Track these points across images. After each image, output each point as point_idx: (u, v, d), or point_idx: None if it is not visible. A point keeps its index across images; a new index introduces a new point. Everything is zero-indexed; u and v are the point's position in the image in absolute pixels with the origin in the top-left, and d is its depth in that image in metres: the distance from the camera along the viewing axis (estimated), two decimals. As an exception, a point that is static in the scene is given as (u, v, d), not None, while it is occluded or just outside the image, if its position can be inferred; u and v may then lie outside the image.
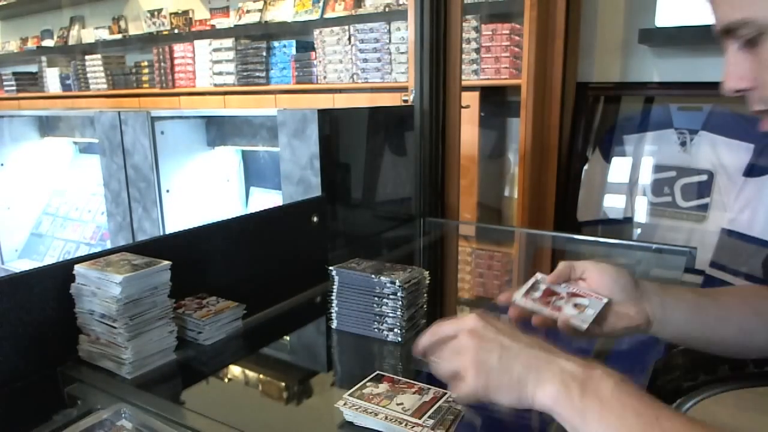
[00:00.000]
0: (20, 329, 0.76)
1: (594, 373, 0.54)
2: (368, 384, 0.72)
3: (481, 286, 1.27)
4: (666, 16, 1.97)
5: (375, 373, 0.74)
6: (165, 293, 0.82)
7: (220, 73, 3.59)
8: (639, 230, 2.10)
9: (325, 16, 3.17)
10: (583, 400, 0.53)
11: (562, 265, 0.79)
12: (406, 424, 0.63)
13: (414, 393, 0.69)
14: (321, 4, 3.21)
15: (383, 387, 0.71)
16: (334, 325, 0.93)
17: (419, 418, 0.64)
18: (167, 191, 1.79)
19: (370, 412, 0.65)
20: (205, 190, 1.91)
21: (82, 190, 2.40)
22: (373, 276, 0.88)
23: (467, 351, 0.60)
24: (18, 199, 2.40)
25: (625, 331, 0.74)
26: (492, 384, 0.58)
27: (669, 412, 0.51)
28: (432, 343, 0.66)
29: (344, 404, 0.67)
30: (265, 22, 3.42)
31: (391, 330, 0.88)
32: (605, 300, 0.74)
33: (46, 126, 2.35)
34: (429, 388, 0.70)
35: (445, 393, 0.69)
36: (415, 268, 0.93)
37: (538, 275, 0.80)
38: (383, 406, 0.66)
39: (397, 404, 0.67)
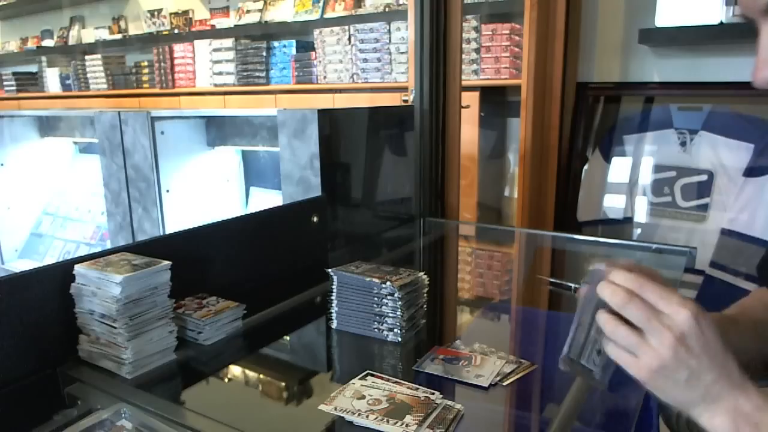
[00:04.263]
0: (20, 329, 0.76)
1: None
2: (357, 383, 0.72)
3: (481, 286, 1.27)
4: (666, 16, 1.97)
5: (365, 372, 0.74)
6: (165, 293, 0.82)
7: (220, 73, 3.59)
8: (639, 230, 2.10)
9: (325, 16, 3.17)
10: None
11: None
12: (395, 423, 0.63)
13: (405, 392, 0.69)
14: (321, 4, 3.21)
15: (373, 386, 0.71)
16: (334, 325, 0.93)
17: (409, 417, 0.64)
18: (167, 191, 1.79)
19: (354, 412, 0.65)
20: (205, 190, 1.91)
21: (82, 190, 2.40)
22: (371, 279, 0.88)
23: (659, 352, 0.54)
24: (18, 199, 2.40)
25: None
26: (662, 387, 0.55)
27: None
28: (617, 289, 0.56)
29: (330, 403, 0.67)
30: (265, 22, 3.42)
31: (391, 330, 0.88)
32: None
33: (46, 126, 2.35)
34: (418, 388, 0.70)
35: (435, 392, 0.69)
36: (414, 271, 0.93)
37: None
38: (371, 405, 0.66)
39: (387, 402, 0.67)
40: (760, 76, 0.56)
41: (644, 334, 0.55)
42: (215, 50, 3.59)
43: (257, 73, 3.42)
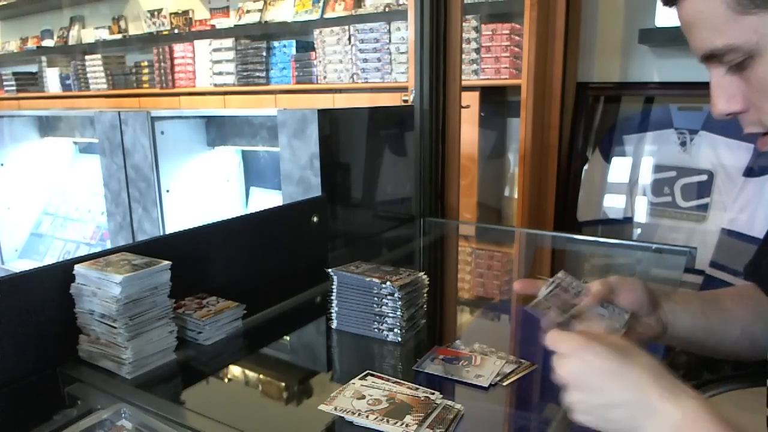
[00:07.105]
0: (20, 329, 0.76)
1: (691, 414, 0.52)
2: (357, 383, 0.72)
3: (481, 286, 1.27)
4: (666, 16, 1.97)
5: (365, 372, 0.74)
6: (165, 293, 0.82)
7: (220, 73, 3.59)
8: (639, 230, 2.10)
9: (325, 16, 3.17)
10: None
11: (599, 285, 0.73)
12: (395, 423, 0.63)
13: (405, 392, 0.69)
14: (321, 4, 3.21)
15: (373, 386, 0.71)
16: (334, 325, 0.93)
17: (409, 417, 0.64)
18: (167, 191, 1.79)
19: (354, 412, 0.65)
20: (205, 190, 1.91)
21: (82, 190, 2.40)
22: (371, 279, 0.88)
23: (568, 400, 0.57)
24: (18, 199, 2.40)
25: (648, 340, 0.75)
26: (596, 424, 0.56)
27: None
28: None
29: (330, 403, 0.67)
30: (265, 22, 3.42)
31: (391, 330, 0.88)
32: (627, 313, 0.72)
33: (46, 126, 2.35)
34: (418, 388, 0.70)
35: (435, 392, 0.69)
36: (414, 271, 0.93)
37: (561, 275, 0.74)
38: (371, 405, 0.66)
39: (387, 402, 0.67)
40: (715, 110, 0.62)
41: None
42: (215, 50, 3.59)
43: (257, 73, 3.42)
